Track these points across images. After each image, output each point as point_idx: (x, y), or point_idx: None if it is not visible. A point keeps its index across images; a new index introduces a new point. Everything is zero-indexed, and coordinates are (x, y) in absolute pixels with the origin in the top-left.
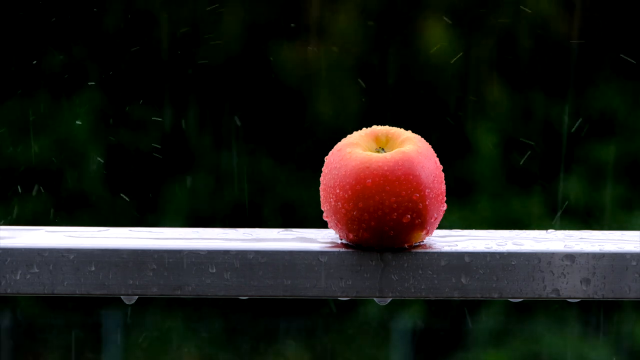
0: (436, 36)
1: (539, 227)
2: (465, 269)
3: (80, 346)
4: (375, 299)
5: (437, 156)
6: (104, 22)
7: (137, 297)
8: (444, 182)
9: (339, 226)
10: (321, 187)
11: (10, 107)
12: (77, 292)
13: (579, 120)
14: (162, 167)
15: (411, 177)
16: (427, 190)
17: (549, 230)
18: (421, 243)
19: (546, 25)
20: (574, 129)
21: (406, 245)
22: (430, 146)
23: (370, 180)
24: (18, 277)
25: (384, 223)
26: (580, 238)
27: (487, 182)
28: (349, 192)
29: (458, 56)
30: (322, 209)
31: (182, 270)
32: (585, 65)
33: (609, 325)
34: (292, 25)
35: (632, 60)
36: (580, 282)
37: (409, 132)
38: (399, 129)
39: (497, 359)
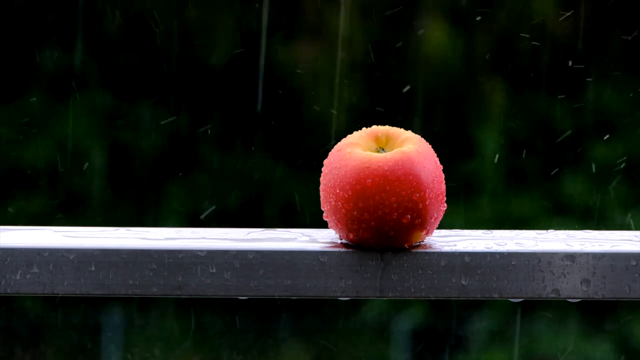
0: (436, 36)
1: (539, 227)
2: (465, 269)
3: (81, 346)
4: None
5: (437, 156)
6: (105, 22)
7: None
8: (444, 182)
9: (339, 226)
10: (321, 187)
11: (10, 107)
12: (77, 292)
13: (579, 120)
14: (162, 167)
15: (411, 177)
16: (427, 190)
17: (549, 230)
18: (421, 243)
19: (546, 25)
20: (574, 128)
21: (406, 245)
22: (430, 146)
23: (370, 180)
24: (18, 277)
25: (384, 223)
26: (580, 238)
27: (487, 182)
28: (349, 192)
29: (458, 56)
30: (322, 209)
31: (182, 270)
32: (586, 65)
33: (609, 325)
34: (292, 24)
35: (633, 59)
36: (580, 282)
37: (409, 132)
38: (399, 129)
39: (497, 359)
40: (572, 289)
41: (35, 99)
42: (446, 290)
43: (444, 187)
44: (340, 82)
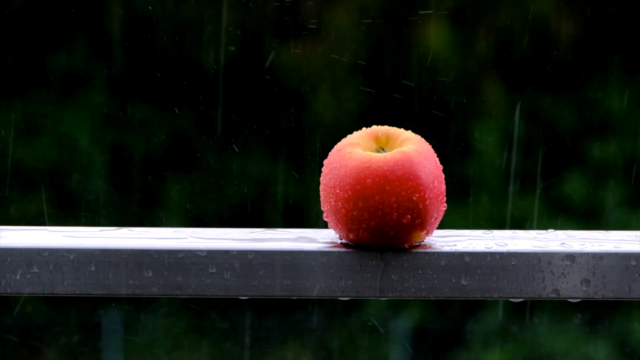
0: (436, 36)
1: (539, 227)
2: (465, 269)
3: (80, 346)
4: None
5: (437, 156)
6: (105, 22)
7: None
8: (444, 182)
9: (339, 226)
10: (321, 187)
11: (11, 107)
12: (77, 292)
13: (579, 120)
14: (162, 167)
15: (411, 177)
16: (427, 190)
17: (549, 230)
18: (421, 243)
19: (546, 24)
20: (574, 128)
21: (406, 245)
22: (430, 146)
23: (370, 180)
24: (18, 277)
25: (384, 223)
26: (581, 238)
27: (487, 182)
28: (349, 192)
29: (458, 56)
30: (322, 209)
31: (182, 270)
32: (586, 65)
33: (609, 325)
34: (292, 25)
35: (632, 59)
36: (580, 282)
37: (409, 132)
38: (399, 129)
39: (497, 359)
40: (572, 289)
41: (35, 99)
42: (446, 290)
43: (444, 187)
44: (340, 82)
